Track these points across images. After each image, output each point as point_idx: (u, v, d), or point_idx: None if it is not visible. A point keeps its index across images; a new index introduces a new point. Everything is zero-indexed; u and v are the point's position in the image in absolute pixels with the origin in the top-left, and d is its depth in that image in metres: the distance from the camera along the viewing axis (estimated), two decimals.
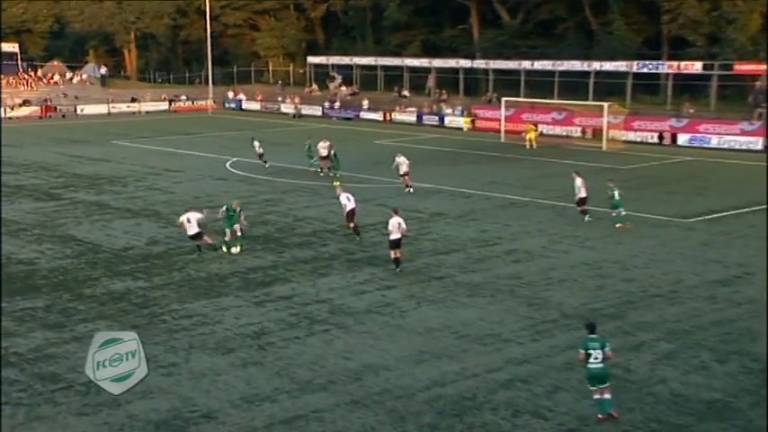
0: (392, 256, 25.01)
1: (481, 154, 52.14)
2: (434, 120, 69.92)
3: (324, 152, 42.84)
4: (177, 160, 49.37)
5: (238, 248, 27.29)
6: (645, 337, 19.63)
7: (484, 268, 25.60)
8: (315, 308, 21.83)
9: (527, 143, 54.80)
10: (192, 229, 26.82)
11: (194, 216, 26.97)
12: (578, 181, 32.01)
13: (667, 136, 55.91)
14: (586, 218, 31.52)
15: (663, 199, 36.28)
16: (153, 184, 40.99)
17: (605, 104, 55.46)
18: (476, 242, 28.91)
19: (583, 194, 31.81)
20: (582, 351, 15.73)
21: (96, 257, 27.06)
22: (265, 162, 44.48)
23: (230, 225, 27.48)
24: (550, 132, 60.41)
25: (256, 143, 45.61)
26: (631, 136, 56.71)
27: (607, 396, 15.63)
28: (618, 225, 30.40)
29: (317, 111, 78.77)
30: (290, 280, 24.40)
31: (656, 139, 56.03)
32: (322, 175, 41.73)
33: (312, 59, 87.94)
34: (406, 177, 38.01)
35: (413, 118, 71.71)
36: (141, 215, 33.60)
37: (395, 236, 24.78)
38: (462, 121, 67.75)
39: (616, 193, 30.86)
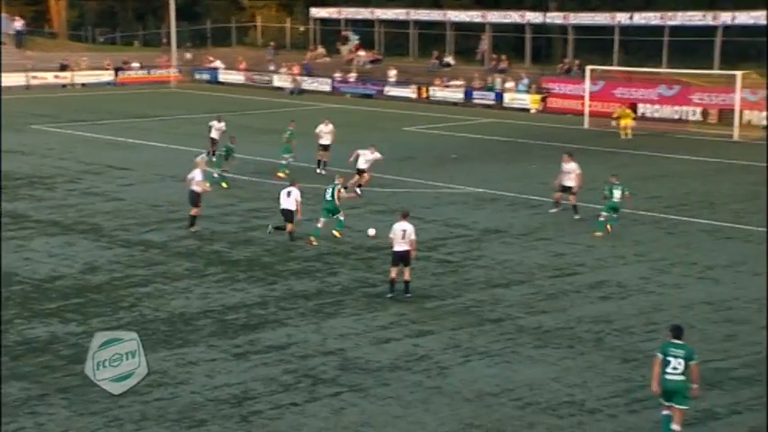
0: (391, 274, 26.10)
1: (555, 146, 51.88)
2: (489, 98, 69.86)
3: (326, 139, 43.45)
4: (126, 154, 49.66)
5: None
6: None
7: (558, 308, 25.56)
8: (319, 362, 21.87)
9: (621, 131, 54.72)
10: (291, 204, 31.34)
11: (297, 192, 31.43)
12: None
13: None
14: None
15: None
16: (91, 186, 41.29)
17: (738, 74, 55.29)
18: (547, 270, 28.90)
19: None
20: (658, 356, 16.75)
21: (9, 291, 27.18)
22: (214, 153, 44.43)
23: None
24: (656, 115, 60.20)
25: (216, 124, 46.06)
26: None
27: (677, 428, 16.55)
28: (598, 233, 32.49)
29: (325, 85, 78.97)
30: (284, 323, 24.47)
31: None
32: (324, 173, 42.19)
33: (317, 12, 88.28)
34: (365, 176, 38.81)
35: (459, 95, 71.69)
36: (74, 231, 33.83)
37: (398, 247, 25.93)
38: (528, 100, 67.65)
39: (617, 193, 32.54)
